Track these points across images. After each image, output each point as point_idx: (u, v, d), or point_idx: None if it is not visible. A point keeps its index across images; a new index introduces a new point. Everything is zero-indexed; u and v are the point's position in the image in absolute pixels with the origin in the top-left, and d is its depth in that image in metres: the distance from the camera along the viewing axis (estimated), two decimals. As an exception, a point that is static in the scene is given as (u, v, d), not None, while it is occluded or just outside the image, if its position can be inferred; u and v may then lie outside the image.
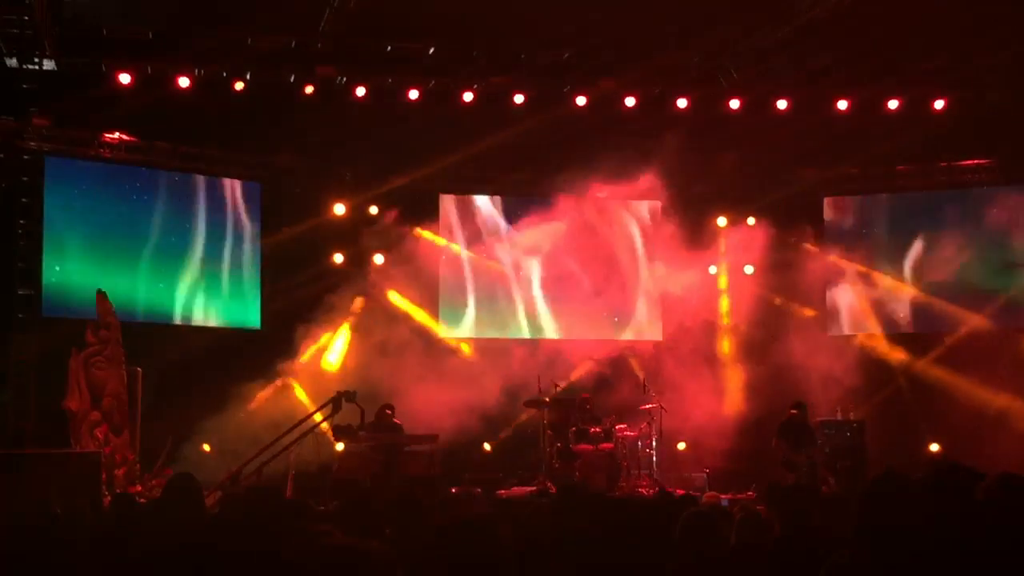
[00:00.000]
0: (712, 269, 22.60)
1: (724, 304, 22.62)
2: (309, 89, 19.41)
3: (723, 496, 16.84)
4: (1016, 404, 19.94)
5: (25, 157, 18.88)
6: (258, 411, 19.21)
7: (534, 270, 22.46)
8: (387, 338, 20.33)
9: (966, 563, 5.57)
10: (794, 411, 18.81)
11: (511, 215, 22.53)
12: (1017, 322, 20.90)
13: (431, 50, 19.29)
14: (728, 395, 21.33)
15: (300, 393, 20.09)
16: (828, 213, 22.39)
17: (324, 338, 20.63)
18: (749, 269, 22.41)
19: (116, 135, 19.60)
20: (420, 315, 21.44)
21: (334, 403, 15.53)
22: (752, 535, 6.89)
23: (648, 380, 20.19)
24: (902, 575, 5.26)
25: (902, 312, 21.98)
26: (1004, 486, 6.29)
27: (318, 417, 16.01)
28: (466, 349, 21.62)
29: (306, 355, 20.47)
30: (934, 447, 20.62)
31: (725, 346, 22.26)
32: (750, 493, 17.53)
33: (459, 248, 22.27)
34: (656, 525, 7.24)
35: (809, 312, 21.99)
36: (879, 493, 5.82)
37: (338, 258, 21.21)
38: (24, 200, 18.90)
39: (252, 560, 5.83)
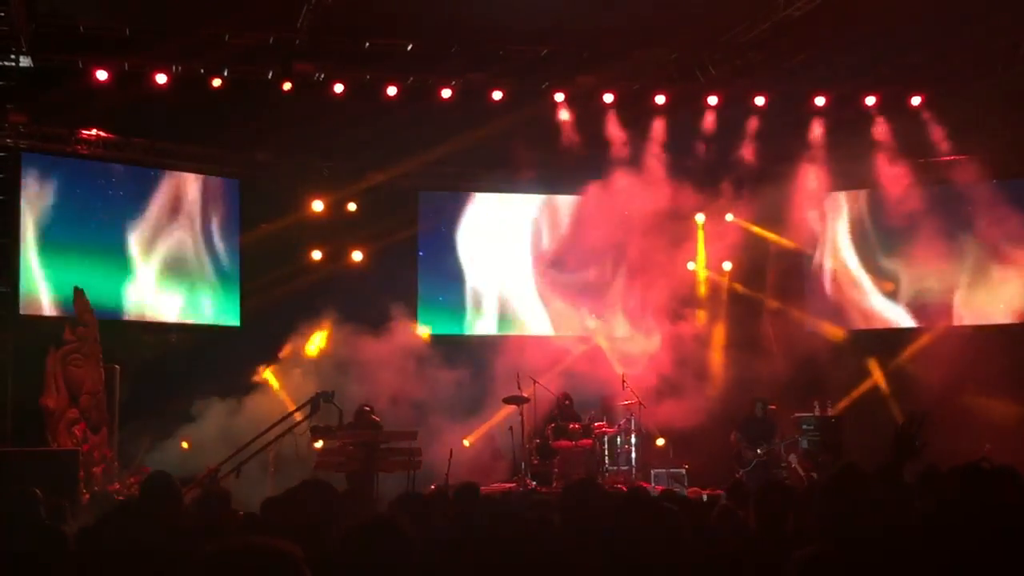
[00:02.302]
0: (691, 265, 22.65)
1: (702, 300, 22.65)
2: (287, 85, 19.34)
3: (701, 492, 16.92)
4: (991, 401, 20.02)
5: (2, 154, 18.82)
6: (237, 409, 19.16)
7: (513, 267, 22.48)
8: (367, 335, 20.29)
9: (933, 556, 5.60)
10: (757, 407, 19.10)
11: (489, 211, 22.56)
12: (991, 319, 21.03)
13: (409, 46, 19.27)
14: (706, 391, 21.35)
15: (279, 390, 20.05)
16: (806, 209, 22.42)
17: (303, 335, 20.58)
18: (727, 265, 22.49)
19: (93, 132, 19.53)
20: (400, 312, 21.39)
21: (312, 403, 15.53)
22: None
23: (626, 377, 20.21)
24: (870, 569, 5.27)
25: (880, 308, 22.06)
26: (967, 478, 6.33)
27: (296, 418, 15.99)
28: (445, 346, 21.58)
29: (285, 352, 20.43)
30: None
31: (703, 342, 22.29)
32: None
33: (438, 245, 22.29)
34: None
35: (787, 308, 22.04)
36: (839, 487, 5.85)
37: (316, 255, 21.19)
38: (0, 197, 18.82)
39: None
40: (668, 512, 5.73)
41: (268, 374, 20.23)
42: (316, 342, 20.64)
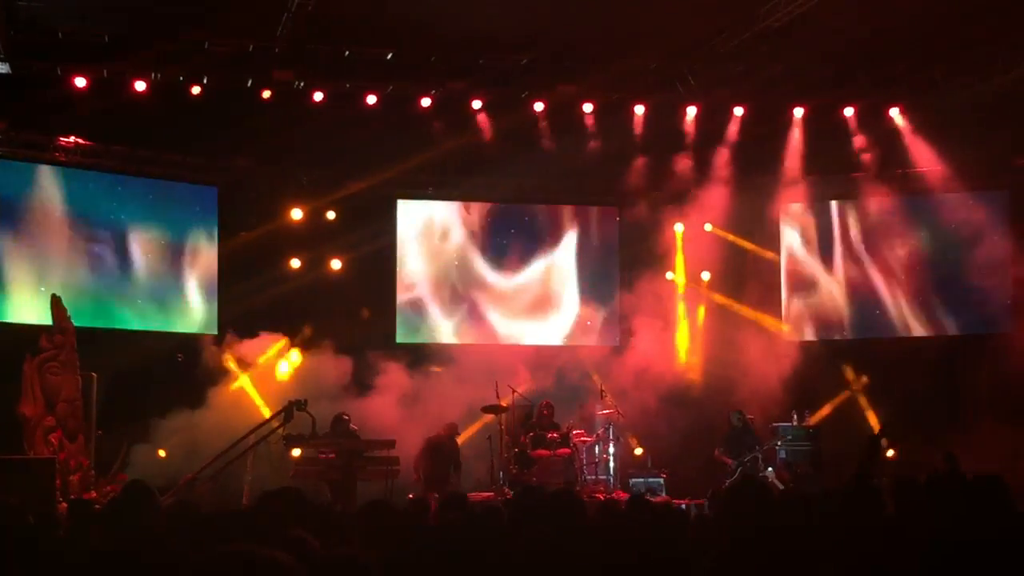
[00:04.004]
0: (669, 275, 22.70)
1: (681, 310, 22.70)
2: (267, 93, 19.30)
3: (679, 501, 16.93)
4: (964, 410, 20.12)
5: (-21, 161, 18.75)
6: (214, 417, 19.09)
7: (491, 275, 22.48)
8: (344, 343, 20.29)
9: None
10: (733, 417, 19.19)
11: (468, 220, 22.56)
12: (973, 328, 21.14)
13: (389, 55, 19.26)
14: (684, 400, 21.39)
15: (256, 399, 20.01)
16: (785, 219, 22.50)
17: (280, 344, 20.54)
18: (706, 275, 22.55)
19: (72, 139, 19.46)
20: (377, 320, 21.39)
21: (286, 412, 15.50)
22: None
23: (605, 386, 20.22)
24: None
25: (858, 318, 22.12)
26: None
27: (271, 426, 15.96)
28: (424, 354, 21.57)
29: (262, 360, 20.38)
30: (889, 453, 20.76)
31: (682, 351, 22.34)
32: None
33: (416, 253, 22.28)
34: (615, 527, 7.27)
35: (765, 318, 22.10)
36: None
37: (295, 263, 21.15)
38: (-23, 204, 18.76)
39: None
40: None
41: (244, 382, 20.19)
42: (294, 350, 20.58)
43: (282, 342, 20.51)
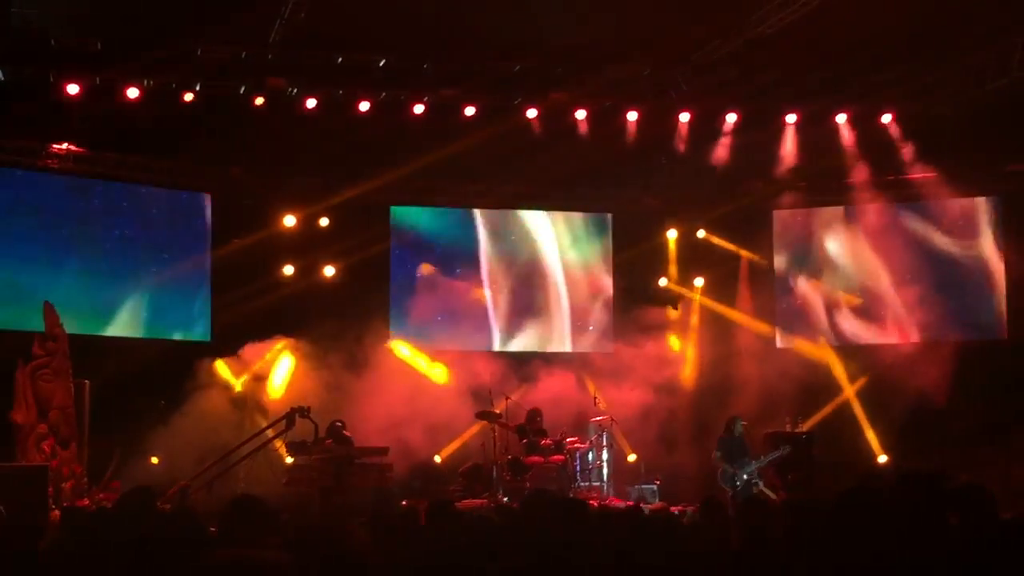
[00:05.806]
0: (663, 281, 22.72)
1: (674, 316, 22.70)
2: (259, 100, 19.31)
3: (673, 508, 16.91)
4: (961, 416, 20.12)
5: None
6: (207, 425, 19.06)
7: (485, 282, 22.48)
8: (337, 350, 20.26)
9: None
10: (737, 425, 19.07)
11: (462, 227, 22.55)
12: (966, 334, 21.14)
13: (382, 62, 19.27)
14: (678, 406, 21.39)
15: (250, 406, 19.97)
16: (777, 225, 22.52)
17: (273, 351, 20.51)
18: (699, 281, 22.56)
19: (64, 146, 19.42)
20: (372, 326, 21.36)
21: (288, 419, 15.47)
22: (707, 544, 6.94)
23: (598, 392, 20.22)
24: None
25: (851, 324, 22.12)
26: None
27: (268, 434, 15.95)
28: (417, 361, 21.55)
29: (255, 367, 20.36)
30: (882, 459, 20.78)
31: (675, 358, 22.33)
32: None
33: (409, 259, 22.27)
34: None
35: (758, 324, 22.10)
36: (851, 507, 5.83)
37: (288, 270, 21.13)
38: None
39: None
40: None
41: (237, 389, 20.16)
42: (287, 357, 20.55)
43: (275, 348, 20.49)
